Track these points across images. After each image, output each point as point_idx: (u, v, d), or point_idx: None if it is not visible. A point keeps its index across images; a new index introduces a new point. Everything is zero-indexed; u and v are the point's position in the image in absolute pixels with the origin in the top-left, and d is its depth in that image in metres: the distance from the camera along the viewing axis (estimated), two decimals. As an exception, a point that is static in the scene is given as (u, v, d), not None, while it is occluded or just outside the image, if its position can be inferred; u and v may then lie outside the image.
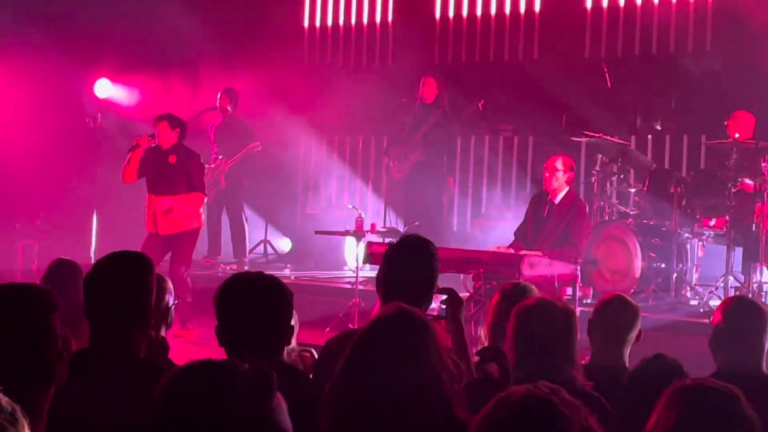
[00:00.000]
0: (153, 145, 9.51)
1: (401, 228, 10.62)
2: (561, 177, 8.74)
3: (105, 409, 3.17)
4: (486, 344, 4.42)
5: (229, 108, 12.03)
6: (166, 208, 9.35)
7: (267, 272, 3.69)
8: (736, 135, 8.92)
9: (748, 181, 8.82)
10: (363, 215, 9.93)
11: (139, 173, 9.58)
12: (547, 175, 8.82)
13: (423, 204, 10.82)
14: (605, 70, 10.05)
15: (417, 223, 10.24)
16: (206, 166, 10.45)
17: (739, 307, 4.25)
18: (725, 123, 9.32)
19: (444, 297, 4.37)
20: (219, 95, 12.10)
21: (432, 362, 2.96)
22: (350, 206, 10.70)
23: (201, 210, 9.59)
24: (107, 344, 3.37)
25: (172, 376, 2.12)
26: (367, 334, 3.03)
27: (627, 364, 4.37)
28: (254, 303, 3.47)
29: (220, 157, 11.71)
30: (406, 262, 4.24)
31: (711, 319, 4.26)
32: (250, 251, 12.52)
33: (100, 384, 3.23)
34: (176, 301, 4.57)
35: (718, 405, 2.58)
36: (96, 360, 3.33)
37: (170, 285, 4.48)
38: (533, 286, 4.74)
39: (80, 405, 3.11)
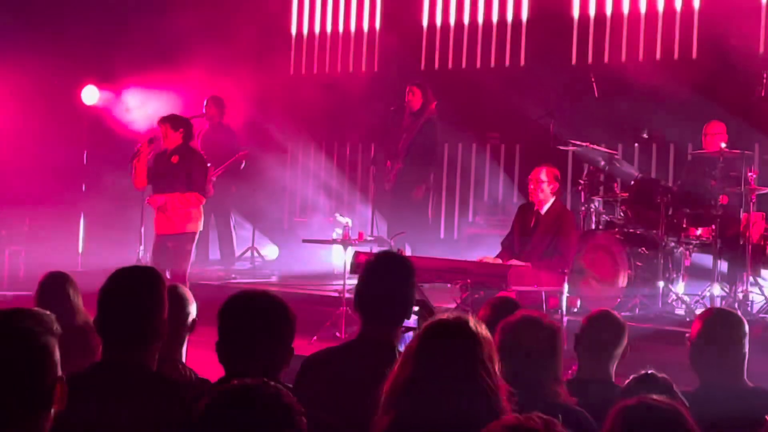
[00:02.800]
0: (158, 151, 9.54)
1: (387, 237, 10.61)
2: (546, 188, 8.73)
3: (117, 423, 3.21)
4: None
5: (215, 115, 12.02)
6: (161, 203, 9.38)
7: (271, 291, 3.69)
8: (723, 145, 8.94)
9: (733, 190, 8.85)
10: (350, 224, 9.91)
11: (148, 178, 9.61)
12: (532, 187, 8.81)
13: (407, 213, 10.82)
14: (593, 79, 10.05)
15: (404, 233, 10.24)
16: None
17: (716, 319, 4.24)
18: (701, 139, 9.38)
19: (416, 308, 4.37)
20: (205, 102, 12.09)
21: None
22: (337, 215, 10.70)
23: (199, 212, 9.52)
24: (120, 359, 3.40)
25: (209, 399, 2.29)
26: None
27: (613, 379, 4.40)
28: (257, 323, 3.47)
29: (208, 164, 11.68)
30: (385, 281, 4.17)
31: (689, 333, 4.24)
32: (238, 258, 12.50)
33: (112, 398, 3.28)
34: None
35: (662, 423, 2.60)
36: (108, 374, 3.37)
37: (189, 294, 4.43)
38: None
39: (92, 419, 3.15)
